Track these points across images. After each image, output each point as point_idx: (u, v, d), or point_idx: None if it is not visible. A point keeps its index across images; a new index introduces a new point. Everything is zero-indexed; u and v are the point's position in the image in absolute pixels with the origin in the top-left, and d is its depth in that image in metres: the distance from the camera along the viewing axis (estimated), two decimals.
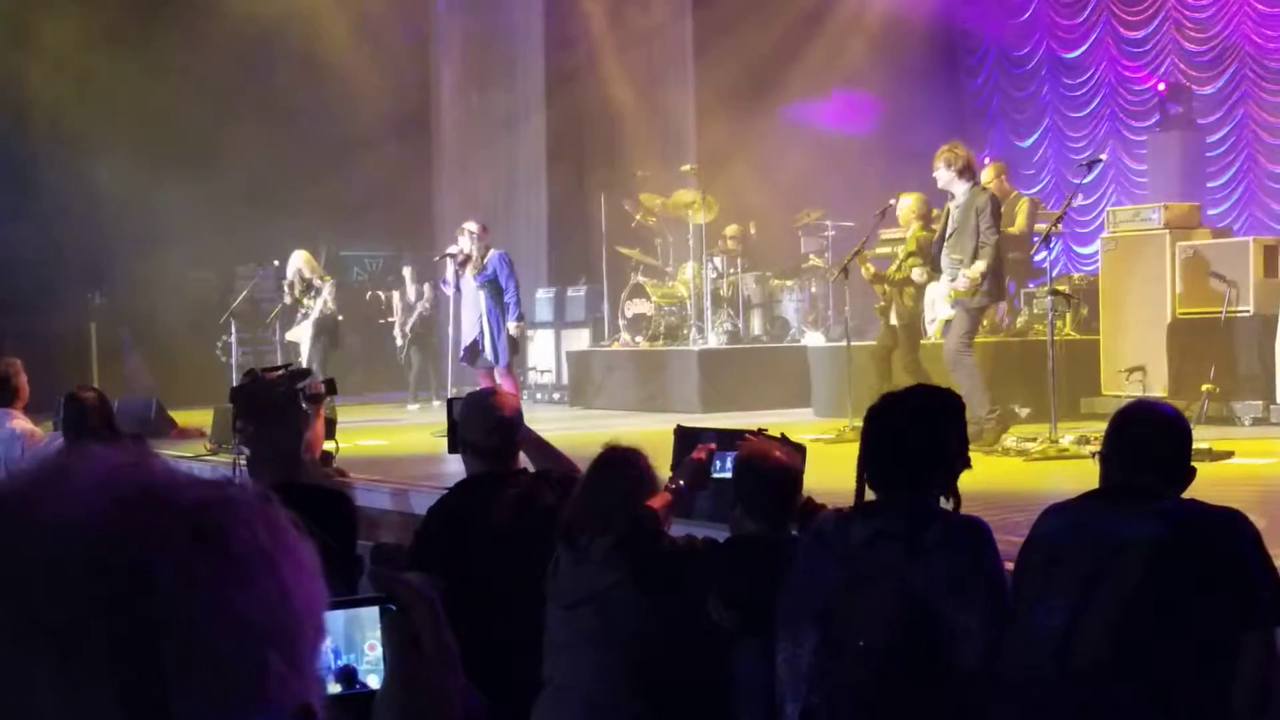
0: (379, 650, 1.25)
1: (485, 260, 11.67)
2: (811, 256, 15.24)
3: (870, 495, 3.69)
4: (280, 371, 5.25)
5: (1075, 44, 17.81)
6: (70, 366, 14.89)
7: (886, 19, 17.37)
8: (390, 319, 17.30)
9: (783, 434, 4.61)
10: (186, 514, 0.94)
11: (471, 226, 11.97)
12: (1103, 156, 12.40)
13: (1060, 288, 10.43)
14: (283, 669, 0.94)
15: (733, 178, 15.87)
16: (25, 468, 0.97)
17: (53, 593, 0.89)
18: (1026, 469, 8.57)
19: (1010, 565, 3.76)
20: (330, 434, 7.39)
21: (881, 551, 3.52)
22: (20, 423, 7.29)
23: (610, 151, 17.61)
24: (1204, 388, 10.28)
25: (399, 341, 16.51)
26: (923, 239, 10.80)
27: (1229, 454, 8.33)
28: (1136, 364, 11.09)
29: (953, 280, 9.62)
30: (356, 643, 1.29)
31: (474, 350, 11.69)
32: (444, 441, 5.57)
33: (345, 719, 1.29)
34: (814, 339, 13.96)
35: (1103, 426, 3.85)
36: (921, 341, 10.76)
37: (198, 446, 11.13)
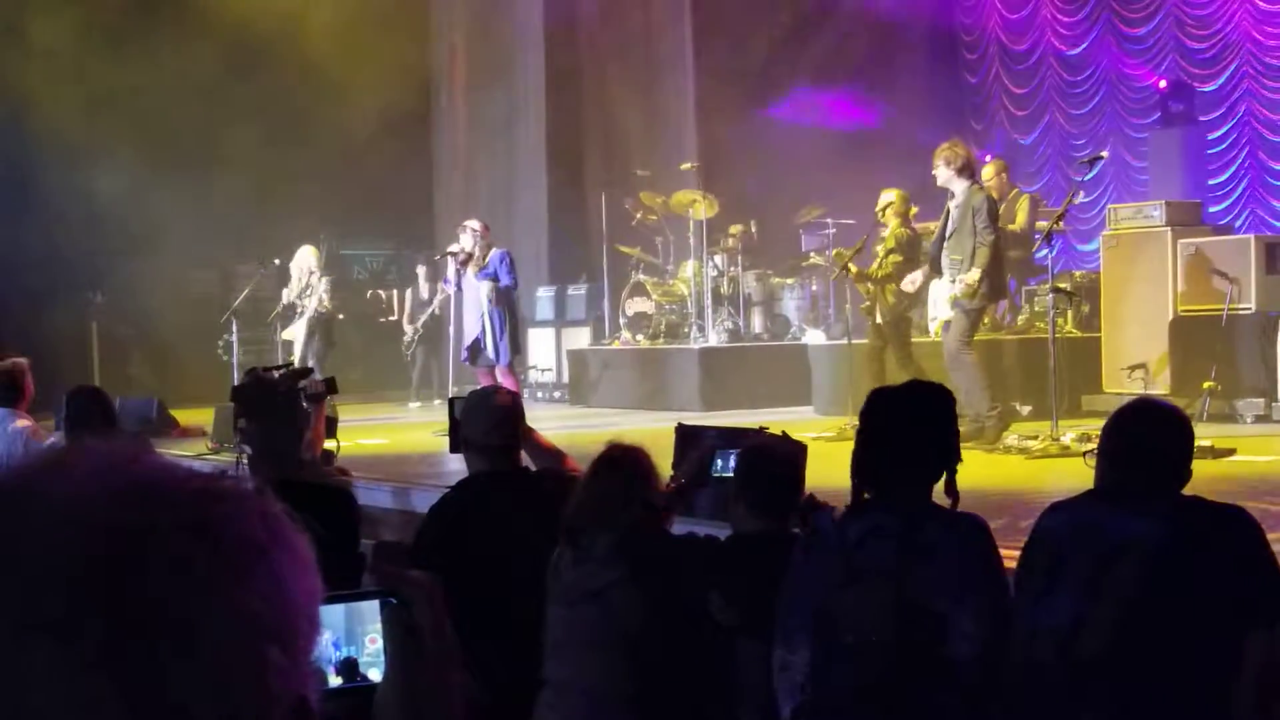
0: (380, 644, 1.25)
1: (487, 259, 11.68)
2: (812, 254, 15.23)
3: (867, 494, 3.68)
4: (281, 370, 5.26)
5: (1076, 41, 17.80)
6: (71, 366, 14.88)
7: (887, 16, 17.36)
8: (391, 318, 17.30)
9: (784, 432, 4.62)
10: (182, 507, 0.94)
11: (474, 225, 11.97)
12: (1104, 154, 12.37)
13: (1062, 285, 10.43)
14: (280, 661, 0.94)
15: (733, 175, 15.85)
16: (22, 460, 0.97)
17: (49, 585, 0.89)
18: (1028, 467, 8.57)
19: (1013, 564, 3.76)
20: (331, 432, 7.41)
21: (879, 549, 3.52)
22: (24, 422, 7.29)
23: (610, 150, 17.61)
24: (1206, 385, 10.28)
25: (408, 335, 16.52)
26: (902, 236, 10.82)
27: (1231, 451, 8.33)
28: (1138, 362, 11.08)
29: (953, 281, 9.62)
30: (357, 636, 1.29)
31: (475, 349, 11.69)
32: (445, 440, 5.57)
33: (346, 711, 1.29)
34: (814, 337, 13.95)
35: (1103, 423, 3.84)
36: (923, 339, 10.76)
37: (199, 445, 11.14)
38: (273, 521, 0.98)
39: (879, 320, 10.78)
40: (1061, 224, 10.29)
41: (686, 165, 15.27)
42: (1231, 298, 10.65)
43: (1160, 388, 10.64)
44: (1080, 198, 13.29)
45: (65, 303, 16.73)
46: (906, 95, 16.91)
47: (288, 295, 13.99)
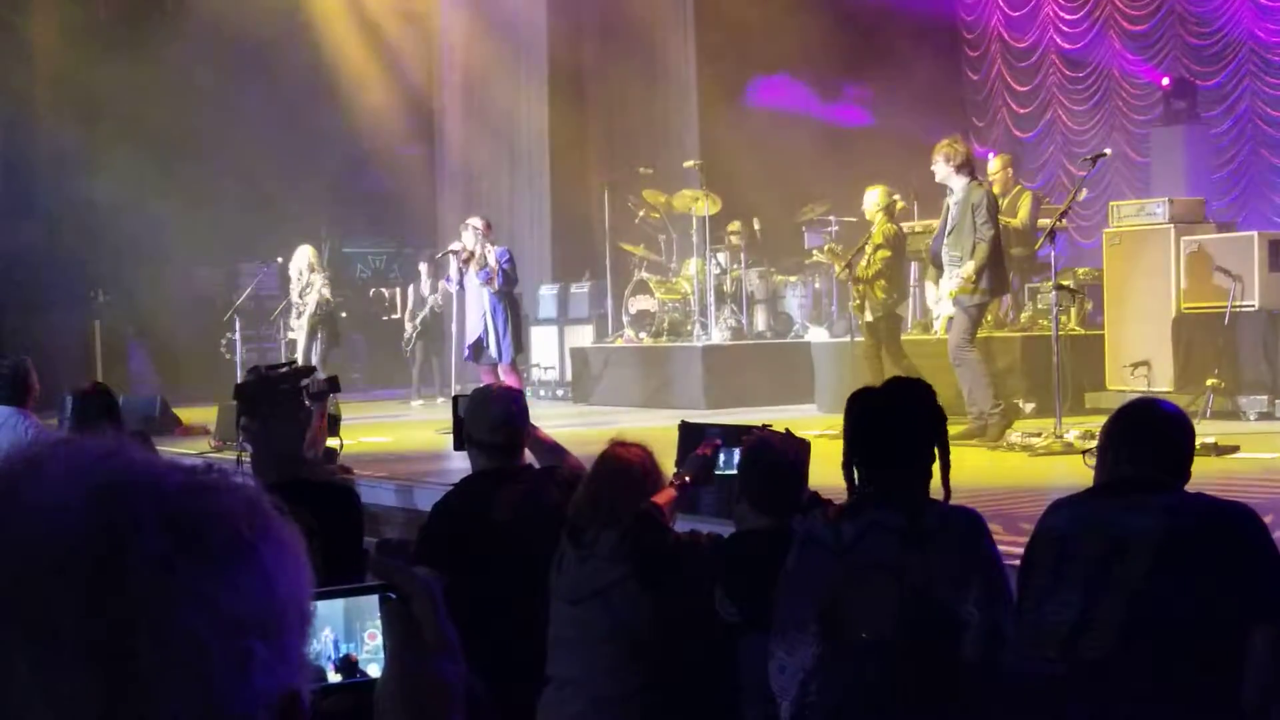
0: (379, 639, 1.24)
1: (489, 257, 11.67)
2: (815, 252, 15.22)
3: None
4: (284, 369, 5.25)
5: (1078, 38, 17.78)
6: (73, 365, 14.89)
7: (889, 12, 17.35)
8: (394, 316, 17.31)
9: (787, 429, 4.61)
10: (165, 501, 0.92)
11: (476, 223, 11.96)
12: (1106, 151, 12.36)
13: (1064, 282, 10.42)
14: (267, 656, 0.93)
15: (736, 173, 15.84)
16: (1, 457, 0.96)
17: (28, 583, 0.88)
18: (1031, 464, 8.56)
19: (1016, 561, 3.76)
20: (334, 431, 7.41)
21: (877, 545, 3.51)
22: (27, 421, 7.29)
23: (613, 147, 17.60)
24: (1209, 382, 10.26)
25: (407, 331, 16.54)
26: (889, 232, 10.83)
27: (1234, 448, 8.33)
28: (1141, 359, 11.07)
29: (952, 278, 9.62)
30: (356, 632, 1.29)
31: (478, 347, 11.69)
32: (448, 438, 5.57)
33: (345, 707, 1.29)
34: (818, 335, 13.95)
35: (1104, 422, 3.84)
36: (927, 337, 10.75)
37: (202, 443, 11.15)
38: (259, 514, 0.97)
39: (869, 318, 10.79)
40: (1064, 221, 10.28)
41: (689, 163, 15.26)
42: (1234, 295, 10.64)
43: (1163, 385, 10.63)
44: (1083, 195, 13.26)
45: (68, 302, 16.74)
46: (909, 92, 16.89)
47: (295, 293, 14.02)
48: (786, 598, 3.66)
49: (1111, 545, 3.46)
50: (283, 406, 4.80)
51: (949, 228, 9.75)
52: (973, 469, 7.26)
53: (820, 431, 8.10)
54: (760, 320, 15.11)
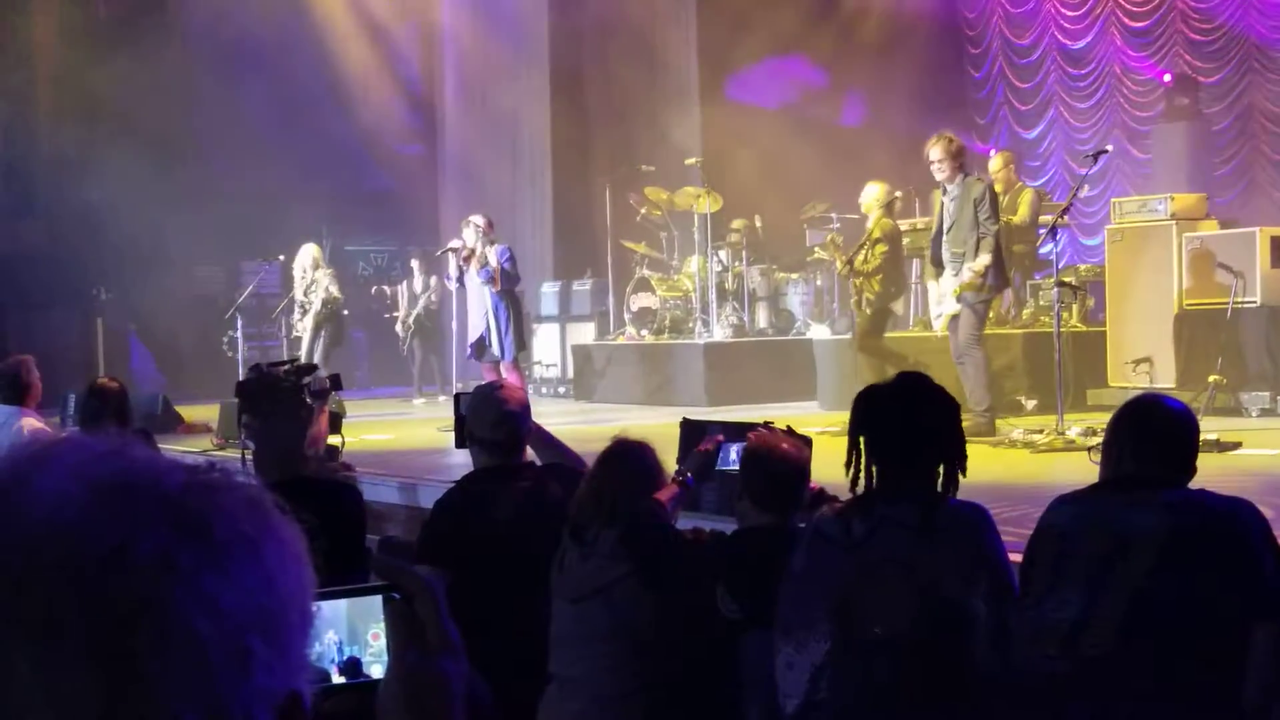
0: (383, 639, 1.24)
1: (489, 255, 11.66)
2: (817, 249, 15.22)
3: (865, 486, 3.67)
4: (286, 366, 5.25)
5: (1080, 35, 17.77)
6: (76, 363, 14.90)
7: (891, 10, 17.34)
8: (396, 313, 17.31)
9: (789, 426, 4.61)
10: (166, 500, 0.92)
11: (478, 221, 11.95)
12: (1108, 147, 12.36)
13: (1066, 279, 10.42)
14: (268, 656, 0.92)
15: (738, 171, 15.84)
16: (2, 455, 0.95)
17: (29, 581, 0.87)
18: (1033, 461, 8.56)
19: (1018, 558, 3.75)
20: (336, 428, 7.40)
21: (889, 540, 3.51)
22: (31, 420, 7.29)
23: (615, 145, 17.59)
24: (1211, 379, 10.25)
25: (399, 332, 16.54)
26: (887, 226, 10.86)
27: (1237, 445, 8.32)
28: (1143, 355, 11.06)
29: (955, 275, 9.61)
30: (360, 632, 1.28)
31: (481, 346, 11.68)
32: (450, 436, 5.57)
33: (349, 708, 1.28)
34: (819, 332, 13.94)
35: (1109, 418, 3.84)
36: (928, 334, 10.75)
37: (205, 441, 11.15)
38: (260, 512, 0.96)
39: (869, 312, 10.85)
40: (1066, 218, 10.28)
41: (691, 160, 15.26)
42: (1236, 291, 10.63)
43: (1165, 381, 10.62)
44: (1085, 191, 13.26)
45: (70, 300, 16.75)
46: (911, 90, 16.89)
47: (299, 291, 14.03)
48: (795, 594, 3.65)
49: (1113, 542, 3.46)
50: (284, 404, 4.80)
51: (948, 225, 9.73)
52: (973, 466, 7.25)
53: (822, 429, 8.10)
54: (762, 317, 15.11)
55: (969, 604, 3.42)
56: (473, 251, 11.72)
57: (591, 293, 16.40)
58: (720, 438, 4.93)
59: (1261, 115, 16.13)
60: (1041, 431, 9.13)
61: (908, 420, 3.64)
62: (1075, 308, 11.87)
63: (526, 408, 4.99)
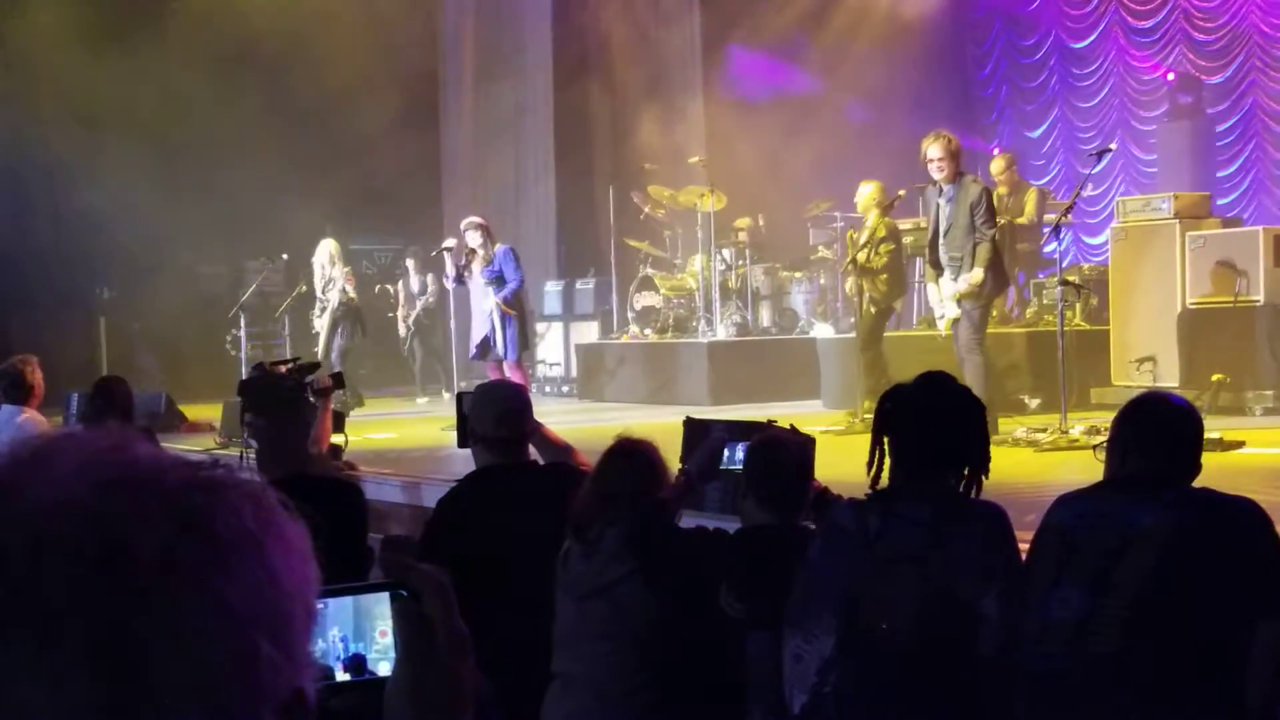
0: (390, 637, 1.24)
1: (491, 255, 11.67)
2: (820, 248, 15.23)
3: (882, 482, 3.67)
4: (288, 365, 5.26)
5: (1084, 34, 17.77)
6: (79, 362, 14.90)
7: (894, 10, 17.34)
8: (396, 313, 17.30)
9: (792, 425, 4.61)
10: (170, 497, 0.91)
11: (476, 221, 11.95)
12: (1112, 146, 12.38)
13: (1070, 278, 10.41)
14: (272, 654, 0.92)
15: (741, 170, 15.84)
16: (4, 451, 0.94)
17: (32, 579, 0.87)
18: (1037, 459, 8.56)
19: (1022, 556, 3.75)
20: (339, 427, 7.40)
21: (904, 538, 3.51)
22: (32, 419, 7.29)
23: (618, 144, 17.60)
24: (1215, 378, 10.25)
25: (401, 333, 16.53)
26: (889, 224, 10.87)
27: (1240, 444, 8.32)
28: (1147, 354, 11.06)
29: (955, 278, 9.54)
30: (366, 630, 1.28)
31: (484, 346, 11.68)
32: (453, 435, 5.57)
33: (355, 706, 1.28)
34: (823, 331, 13.94)
35: (1113, 417, 3.84)
36: (932, 332, 10.74)
37: (207, 440, 11.16)
38: (265, 509, 0.96)
39: (873, 310, 10.87)
40: (1070, 217, 10.27)
41: (694, 159, 15.26)
42: (1240, 290, 10.63)
43: (1169, 380, 10.62)
44: (1088, 190, 13.27)
45: (74, 299, 16.75)
46: (914, 89, 16.89)
47: (319, 285, 14.07)
48: (807, 587, 3.65)
49: (1117, 541, 3.46)
50: (286, 403, 4.81)
51: (945, 228, 9.64)
52: None
53: (825, 427, 8.11)
54: (765, 316, 15.11)
55: (979, 604, 3.42)
56: (473, 252, 11.72)
57: (595, 292, 16.41)
58: (723, 436, 4.93)
59: (1265, 114, 16.12)
60: (1045, 430, 9.13)
61: (930, 420, 3.64)
62: (1079, 306, 11.86)
63: (528, 405, 4.99)
